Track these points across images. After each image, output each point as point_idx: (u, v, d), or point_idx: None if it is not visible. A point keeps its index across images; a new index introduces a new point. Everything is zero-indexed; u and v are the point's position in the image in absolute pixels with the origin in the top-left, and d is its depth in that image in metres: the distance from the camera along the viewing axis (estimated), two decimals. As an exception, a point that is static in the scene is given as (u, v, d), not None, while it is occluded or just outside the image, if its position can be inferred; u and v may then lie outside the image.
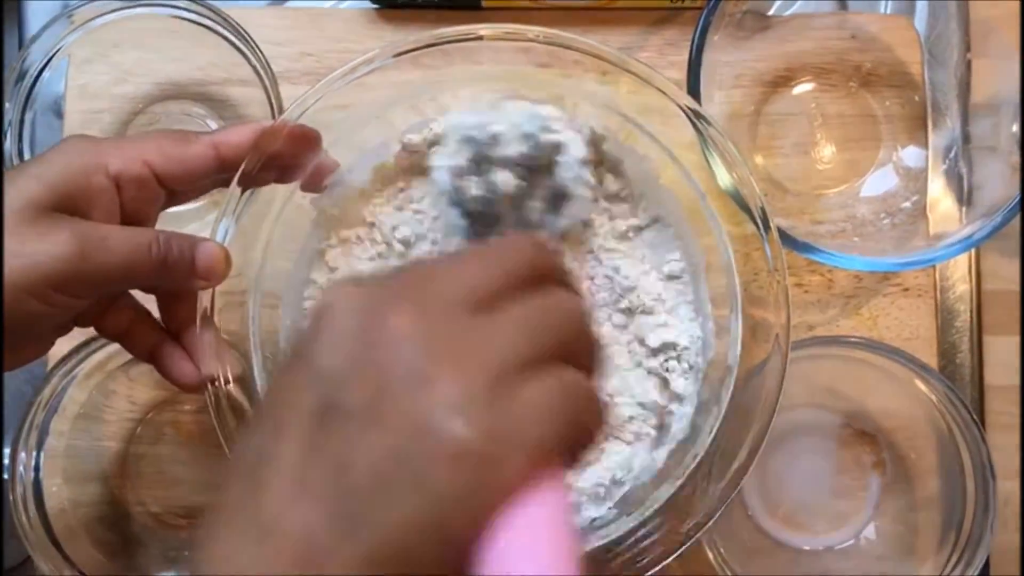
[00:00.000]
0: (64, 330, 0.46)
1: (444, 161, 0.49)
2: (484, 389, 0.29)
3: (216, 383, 0.48)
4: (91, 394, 0.59)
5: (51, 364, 0.56)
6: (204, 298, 0.48)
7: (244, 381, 0.50)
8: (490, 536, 0.28)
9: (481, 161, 0.48)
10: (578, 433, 0.31)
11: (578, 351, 0.33)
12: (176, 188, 0.47)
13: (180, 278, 0.46)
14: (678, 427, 0.53)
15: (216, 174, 0.47)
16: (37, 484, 0.56)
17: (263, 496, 0.29)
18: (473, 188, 0.48)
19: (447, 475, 0.28)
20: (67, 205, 0.43)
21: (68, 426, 0.57)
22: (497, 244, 0.36)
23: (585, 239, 0.56)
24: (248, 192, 0.49)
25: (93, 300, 0.45)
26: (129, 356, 0.58)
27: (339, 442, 0.29)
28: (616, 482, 0.53)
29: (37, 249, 0.41)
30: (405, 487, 0.28)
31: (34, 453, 0.56)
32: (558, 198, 0.49)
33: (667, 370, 0.54)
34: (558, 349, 0.31)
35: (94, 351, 0.56)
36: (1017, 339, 0.63)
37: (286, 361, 0.33)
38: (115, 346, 0.55)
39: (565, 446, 0.31)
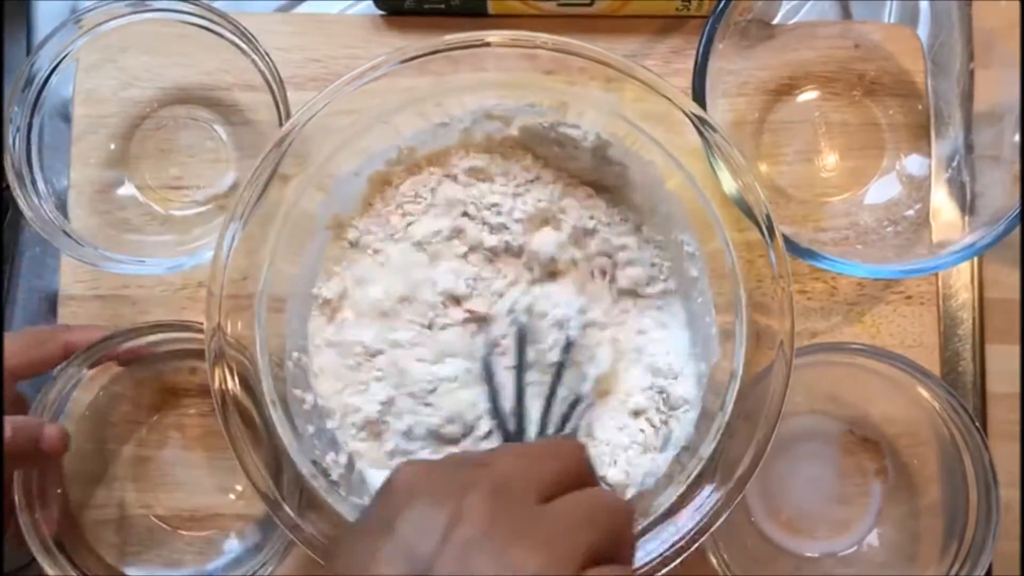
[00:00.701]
0: None
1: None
2: (560, 569, 0.33)
3: (223, 387, 0.48)
4: (96, 397, 0.59)
5: (57, 367, 0.56)
6: (212, 303, 0.48)
7: (249, 385, 0.50)
8: None
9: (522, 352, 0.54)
10: None
11: (620, 545, 0.37)
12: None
13: (26, 465, 0.54)
14: (682, 432, 0.53)
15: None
16: (42, 486, 0.56)
17: None
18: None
19: None
20: None
21: (73, 428, 0.57)
22: (548, 443, 0.45)
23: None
24: (255, 197, 0.49)
25: None
26: (134, 359, 0.58)
27: None
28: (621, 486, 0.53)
29: None
30: None
31: None
32: (576, 402, 0.54)
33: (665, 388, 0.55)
34: (607, 543, 0.36)
35: (99, 353, 0.56)
36: (1019, 348, 0.63)
37: (363, 526, 0.36)
38: (120, 349, 0.56)
39: None
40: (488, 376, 0.54)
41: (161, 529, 0.60)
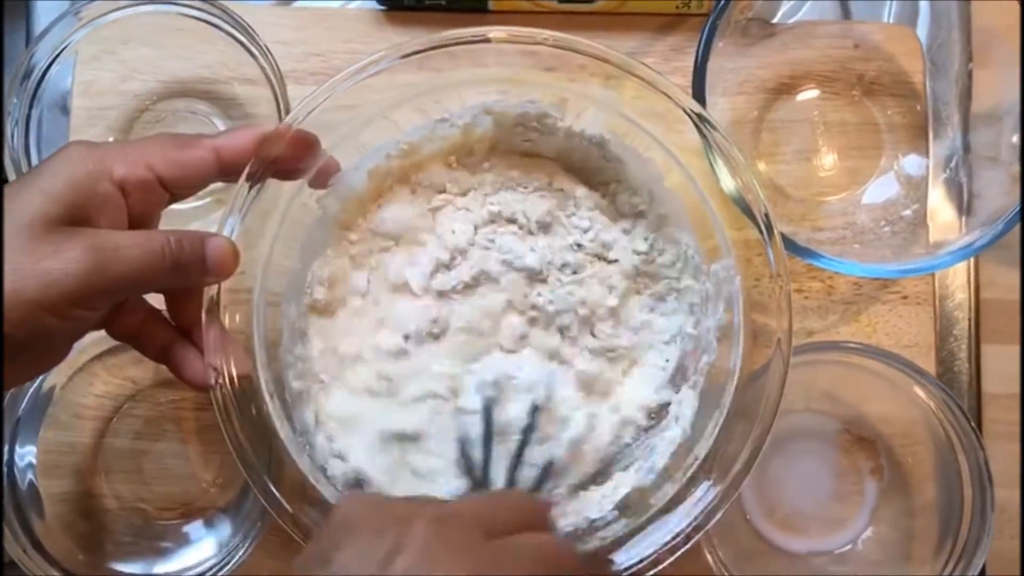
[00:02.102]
0: (79, 337, 0.46)
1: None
2: None
3: (220, 380, 0.48)
4: (65, 387, 0.59)
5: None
6: (211, 294, 0.48)
7: (247, 377, 0.50)
8: None
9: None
10: None
11: None
12: (177, 191, 0.47)
13: (193, 277, 0.46)
14: (679, 429, 0.53)
15: (217, 177, 0.47)
16: (12, 477, 0.56)
17: None
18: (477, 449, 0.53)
19: None
20: (76, 216, 0.42)
21: (43, 420, 0.57)
22: (509, 493, 0.48)
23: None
24: (253, 190, 0.49)
25: (108, 308, 0.45)
26: (102, 348, 0.58)
27: None
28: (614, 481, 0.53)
29: (53, 267, 0.40)
30: None
31: (7, 446, 0.56)
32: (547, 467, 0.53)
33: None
34: None
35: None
36: (1015, 348, 0.63)
37: (303, 561, 0.35)
38: (88, 339, 0.54)
39: None
40: (461, 450, 0.53)
41: (134, 518, 0.60)
